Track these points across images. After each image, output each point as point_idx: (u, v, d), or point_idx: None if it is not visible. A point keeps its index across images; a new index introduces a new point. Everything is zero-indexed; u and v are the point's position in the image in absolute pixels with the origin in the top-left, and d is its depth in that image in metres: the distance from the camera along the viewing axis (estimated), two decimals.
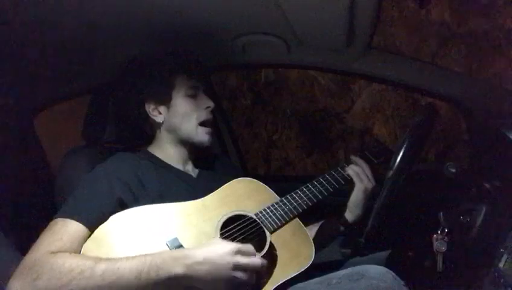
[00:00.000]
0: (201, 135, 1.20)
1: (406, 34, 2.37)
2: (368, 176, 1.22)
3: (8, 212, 1.21)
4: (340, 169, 1.26)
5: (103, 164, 1.12)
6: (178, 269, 0.88)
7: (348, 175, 1.24)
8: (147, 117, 1.20)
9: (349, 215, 1.23)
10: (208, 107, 1.21)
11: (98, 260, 0.89)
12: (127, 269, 0.87)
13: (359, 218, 1.23)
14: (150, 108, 1.19)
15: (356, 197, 1.22)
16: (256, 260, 0.95)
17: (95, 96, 1.35)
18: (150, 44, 1.26)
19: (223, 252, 0.91)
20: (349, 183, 1.24)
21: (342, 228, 1.25)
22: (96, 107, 1.33)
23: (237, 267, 0.91)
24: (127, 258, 0.89)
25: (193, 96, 1.20)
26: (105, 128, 1.29)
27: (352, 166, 1.25)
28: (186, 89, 1.19)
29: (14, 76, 1.19)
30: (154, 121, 1.20)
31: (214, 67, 1.61)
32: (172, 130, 1.20)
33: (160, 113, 1.20)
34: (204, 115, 1.20)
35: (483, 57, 2.16)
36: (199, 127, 1.19)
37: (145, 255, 0.90)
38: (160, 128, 1.21)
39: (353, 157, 1.28)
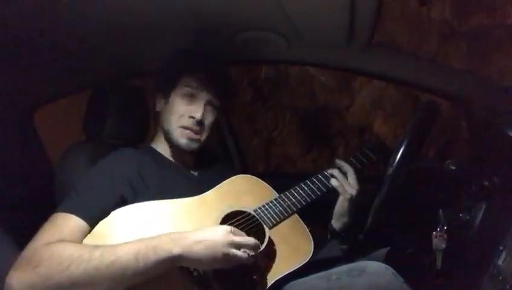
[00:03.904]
0: (179, 137, 1.16)
1: (407, 31, 2.36)
2: (350, 183, 1.21)
3: (8, 209, 1.20)
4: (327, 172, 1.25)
5: (105, 159, 1.12)
6: (176, 249, 0.89)
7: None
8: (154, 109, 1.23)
9: (336, 223, 1.23)
10: (191, 117, 1.15)
11: (97, 246, 0.90)
12: (125, 250, 0.88)
13: (346, 225, 1.22)
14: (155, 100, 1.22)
15: (341, 206, 1.21)
16: (250, 238, 0.98)
17: (95, 91, 1.35)
18: (150, 42, 1.25)
19: (217, 231, 0.95)
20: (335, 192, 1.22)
21: (329, 237, 1.25)
22: (97, 102, 1.33)
23: (232, 244, 0.94)
24: (126, 242, 0.91)
25: (189, 101, 1.17)
26: (105, 123, 1.29)
27: (333, 172, 1.23)
28: (183, 91, 1.17)
29: (13, 71, 1.18)
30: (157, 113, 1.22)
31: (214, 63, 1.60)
32: (163, 126, 1.21)
33: (159, 107, 1.22)
34: (185, 122, 1.15)
35: (484, 55, 2.15)
36: (178, 128, 1.16)
37: (143, 238, 0.91)
38: (159, 122, 1.23)
39: (337, 161, 1.26)
